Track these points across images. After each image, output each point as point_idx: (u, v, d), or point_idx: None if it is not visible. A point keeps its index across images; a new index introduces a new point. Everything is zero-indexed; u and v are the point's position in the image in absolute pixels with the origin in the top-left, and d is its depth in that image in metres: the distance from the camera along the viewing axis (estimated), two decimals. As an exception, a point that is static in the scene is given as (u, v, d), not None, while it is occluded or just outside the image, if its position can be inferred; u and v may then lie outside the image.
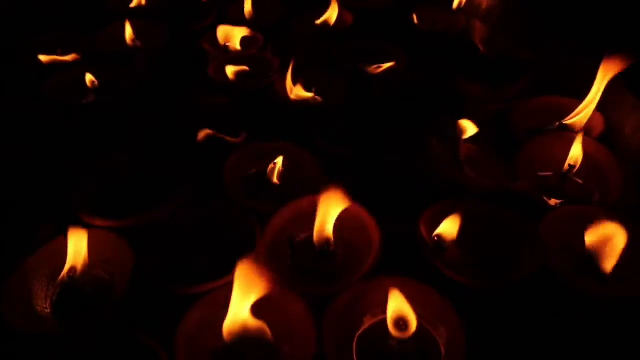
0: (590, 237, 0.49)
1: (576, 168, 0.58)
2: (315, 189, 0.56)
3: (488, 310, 0.48)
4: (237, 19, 0.89)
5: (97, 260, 0.52)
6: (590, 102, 0.62)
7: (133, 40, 0.82)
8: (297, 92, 0.69)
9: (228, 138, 0.64)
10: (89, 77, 0.74)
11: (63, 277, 0.50)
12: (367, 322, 0.47)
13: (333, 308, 0.45)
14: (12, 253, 0.53)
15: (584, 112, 0.62)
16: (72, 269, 0.50)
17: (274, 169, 0.60)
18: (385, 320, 0.44)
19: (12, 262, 0.51)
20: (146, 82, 0.76)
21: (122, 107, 0.71)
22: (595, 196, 0.57)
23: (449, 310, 0.44)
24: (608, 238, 0.48)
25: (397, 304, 0.44)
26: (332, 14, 0.86)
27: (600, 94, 0.62)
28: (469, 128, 0.63)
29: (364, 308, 0.47)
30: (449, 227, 0.50)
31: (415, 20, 0.87)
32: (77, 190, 0.58)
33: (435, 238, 0.50)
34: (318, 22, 0.86)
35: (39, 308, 0.49)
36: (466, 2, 0.90)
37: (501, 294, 0.49)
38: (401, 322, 0.43)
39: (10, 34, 0.83)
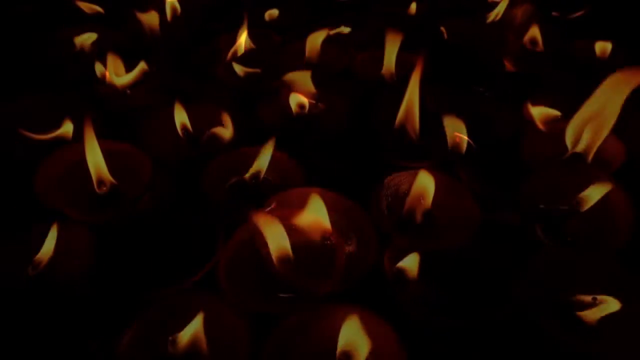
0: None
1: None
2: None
3: (448, 353, 0.43)
4: (259, 22, 0.88)
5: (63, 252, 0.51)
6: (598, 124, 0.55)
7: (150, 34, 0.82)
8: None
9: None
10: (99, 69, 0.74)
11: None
12: (312, 350, 0.43)
13: (279, 330, 0.43)
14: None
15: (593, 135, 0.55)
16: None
17: (256, 176, 0.58)
18: (327, 351, 0.40)
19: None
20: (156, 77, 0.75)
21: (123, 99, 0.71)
22: (599, 239, 0.51)
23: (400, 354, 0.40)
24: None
25: (350, 336, 0.40)
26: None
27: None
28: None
29: (312, 335, 0.43)
30: (411, 260, 0.45)
31: (444, 32, 0.82)
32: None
33: (396, 270, 0.46)
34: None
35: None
36: (501, 16, 0.84)
37: (465, 337, 0.44)
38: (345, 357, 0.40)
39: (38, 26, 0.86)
